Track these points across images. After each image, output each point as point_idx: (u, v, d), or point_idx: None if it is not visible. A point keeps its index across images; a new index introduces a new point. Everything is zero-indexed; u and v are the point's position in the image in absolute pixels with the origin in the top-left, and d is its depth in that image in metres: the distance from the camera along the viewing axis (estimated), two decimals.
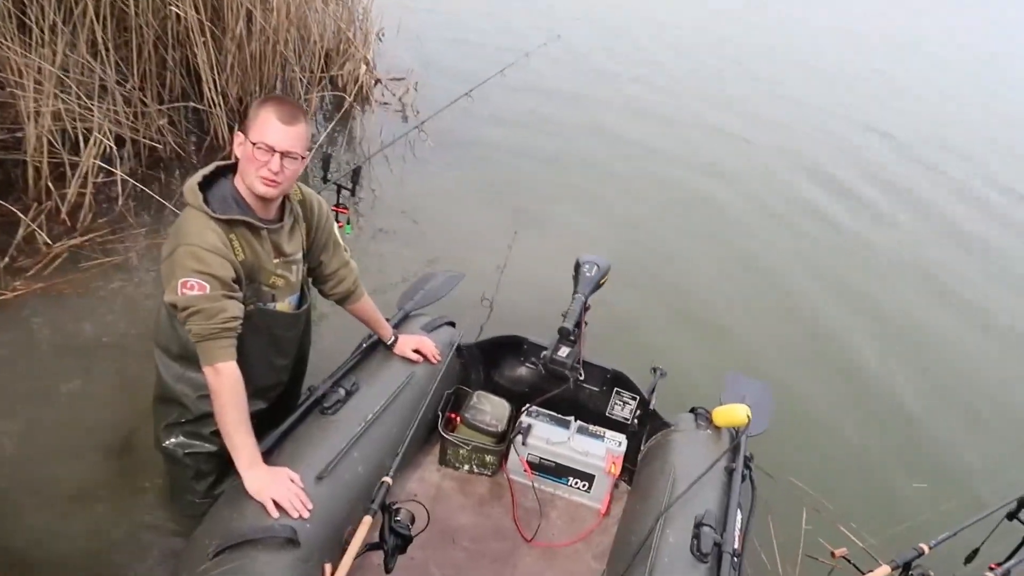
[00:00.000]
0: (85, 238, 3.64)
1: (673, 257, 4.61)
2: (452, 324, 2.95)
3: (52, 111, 3.64)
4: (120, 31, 4.13)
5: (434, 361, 2.65)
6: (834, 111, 7.92)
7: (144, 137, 4.21)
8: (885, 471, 3.38)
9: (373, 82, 5.79)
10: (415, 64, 5.92)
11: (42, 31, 3.57)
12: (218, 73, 4.45)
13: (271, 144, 1.97)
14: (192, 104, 4.55)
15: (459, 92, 5.59)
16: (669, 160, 6.03)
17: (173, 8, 4.08)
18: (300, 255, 2.28)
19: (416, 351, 2.64)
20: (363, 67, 5.66)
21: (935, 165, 6.89)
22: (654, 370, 2.96)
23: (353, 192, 3.51)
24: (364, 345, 2.65)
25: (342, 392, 2.37)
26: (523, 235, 3.75)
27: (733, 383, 3.02)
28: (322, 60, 5.44)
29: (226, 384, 1.98)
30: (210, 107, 4.50)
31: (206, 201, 2.02)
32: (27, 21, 3.55)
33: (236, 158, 2.09)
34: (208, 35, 4.31)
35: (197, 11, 4.18)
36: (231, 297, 2.01)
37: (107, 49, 3.88)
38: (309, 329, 2.46)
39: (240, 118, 4.78)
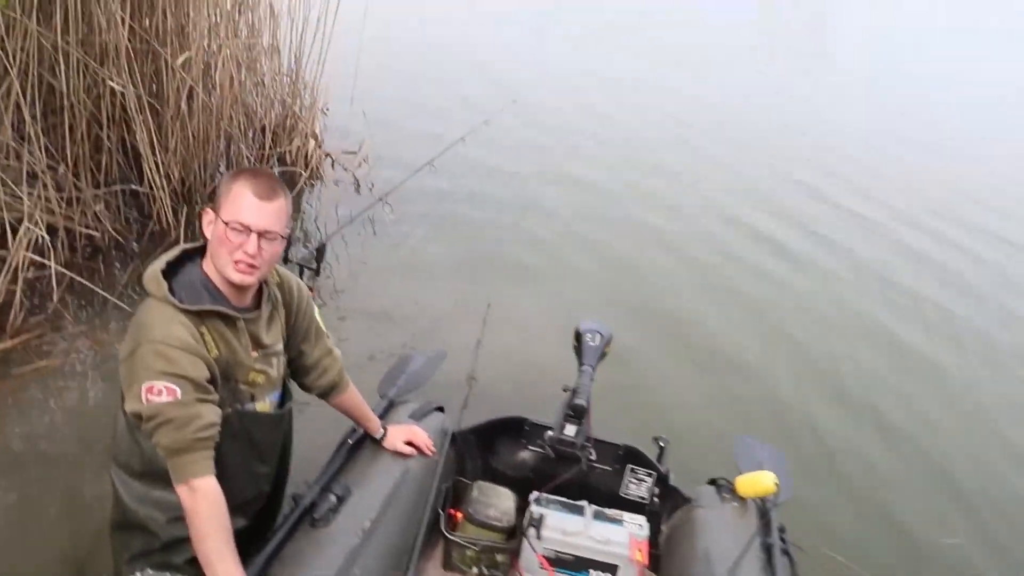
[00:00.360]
0: (16, 340, 3.24)
1: (654, 317, 4.43)
2: (441, 409, 2.68)
3: None
4: (48, 112, 3.82)
5: (428, 453, 2.36)
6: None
7: (80, 225, 3.86)
8: (915, 527, 3.19)
9: (323, 157, 5.57)
10: (365, 136, 5.71)
11: None
12: (160, 153, 4.16)
13: (247, 223, 1.71)
14: (131, 187, 4.22)
15: (414, 162, 5.40)
16: (637, 217, 5.93)
17: (111, 84, 3.79)
18: (280, 346, 1.99)
19: (408, 443, 2.34)
20: (311, 142, 5.44)
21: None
22: (656, 440, 2.75)
23: (318, 272, 3.25)
24: (350, 441, 2.34)
25: (333, 499, 2.05)
26: (498, 305, 3.53)
27: (745, 449, 2.82)
28: (269, 137, 5.20)
29: (205, 503, 1.65)
30: (151, 189, 4.18)
31: (171, 291, 1.73)
32: None
33: (204, 239, 1.83)
34: (147, 112, 4.04)
35: (135, 86, 3.91)
36: (206, 401, 1.71)
37: (36, 131, 3.56)
38: (291, 429, 2.15)
39: (183, 199, 4.48)
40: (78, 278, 3.57)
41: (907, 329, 4.88)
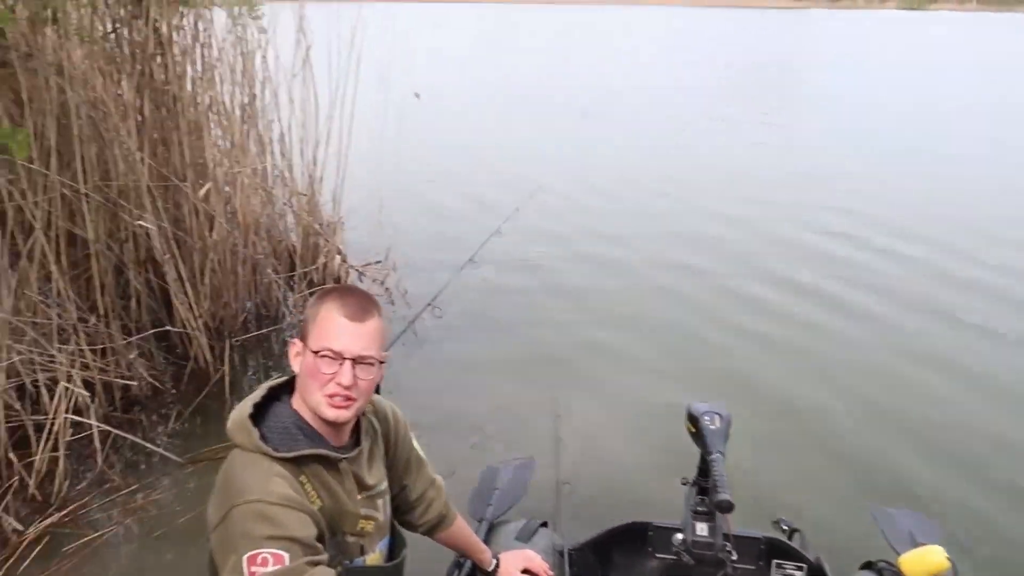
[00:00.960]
0: (64, 513, 2.93)
1: (729, 388, 4.11)
2: (545, 524, 2.37)
3: (8, 367, 3.04)
4: (71, 263, 3.64)
5: None
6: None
7: (115, 376, 3.61)
8: None
9: (348, 271, 5.39)
10: (388, 244, 5.55)
11: None
12: (190, 289, 3.96)
13: (338, 349, 1.47)
14: (165, 329, 4.00)
15: (443, 264, 5.26)
16: (686, 293, 5.68)
17: (140, 224, 3.63)
18: (385, 484, 1.71)
19: (524, 571, 2.03)
20: (336, 258, 5.27)
21: None
22: (777, 524, 2.43)
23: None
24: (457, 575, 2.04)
25: None
26: (565, 400, 3.28)
27: (888, 520, 2.47)
28: (296, 259, 5.03)
29: None
30: (184, 328, 3.96)
31: (263, 438, 1.48)
32: None
33: (293, 372, 1.59)
34: (174, 249, 3.86)
35: (161, 223, 3.75)
36: (317, 563, 1.42)
37: (65, 285, 3.36)
38: None
39: (217, 335, 4.25)
40: (122, 434, 3.30)
41: None
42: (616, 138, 11.84)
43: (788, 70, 23.97)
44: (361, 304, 1.52)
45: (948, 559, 1.99)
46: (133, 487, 3.14)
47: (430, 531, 1.91)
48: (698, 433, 2.08)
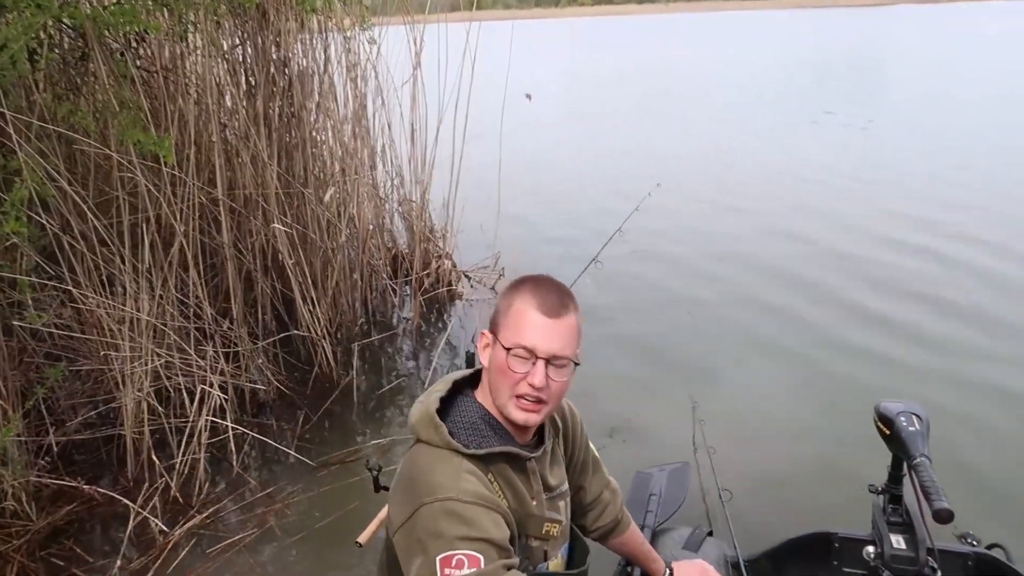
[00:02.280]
0: (205, 515, 2.96)
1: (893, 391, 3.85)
2: (711, 534, 2.22)
3: (151, 369, 3.11)
4: (205, 269, 3.72)
5: None
6: None
7: (247, 381, 3.66)
8: None
9: (457, 278, 5.37)
10: (496, 248, 5.52)
11: (136, 279, 3.12)
12: (313, 295, 3.99)
13: (531, 347, 1.38)
14: (292, 333, 4.04)
15: (557, 266, 5.18)
16: (818, 283, 5.46)
17: (274, 227, 3.68)
18: (566, 486, 1.62)
19: None
20: (447, 263, 5.26)
21: None
22: (964, 538, 2.20)
23: None
24: None
25: None
26: (708, 403, 3.11)
27: None
28: (410, 264, 5.04)
29: None
30: (310, 333, 3.99)
31: (451, 434, 1.40)
32: (112, 270, 3.13)
33: (470, 356, 1.52)
34: (300, 254, 3.90)
35: (289, 228, 3.80)
36: (511, 566, 1.33)
37: (204, 290, 3.43)
38: None
39: (336, 340, 4.28)
40: (258, 436, 3.33)
41: None
42: (735, 137, 11.63)
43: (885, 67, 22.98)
44: (559, 298, 1.43)
45: None
46: (268, 490, 3.15)
47: (603, 536, 1.82)
48: (894, 436, 1.88)
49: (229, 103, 3.94)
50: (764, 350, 4.42)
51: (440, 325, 4.92)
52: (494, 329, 1.44)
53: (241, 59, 4.07)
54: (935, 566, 1.88)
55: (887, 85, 18.37)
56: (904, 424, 1.94)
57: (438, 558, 1.29)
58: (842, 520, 2.15)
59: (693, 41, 30.53)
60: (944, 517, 1.71)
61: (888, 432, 1.97)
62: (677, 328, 4.80)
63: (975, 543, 2.16)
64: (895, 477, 1.98)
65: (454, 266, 5.36)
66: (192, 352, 3.30)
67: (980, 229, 6.60)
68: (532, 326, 1.39)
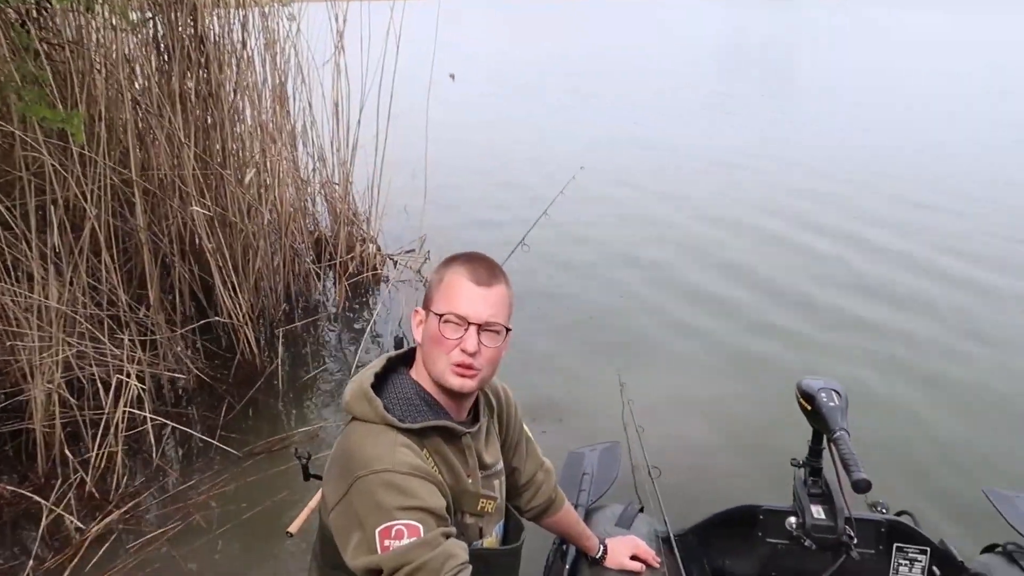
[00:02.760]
0: (124, 510, 2.84)
1: (777, 370, 4.04)
2: (642, 510, 2.28)
3: (62, 360, 2.96)
4: (120, 253, 3.55)
5: (656, 565, 1.95)
6: None
7: (165, 370, 3.53)
8: None
9: (382, 261, 5.30)
10: (422, 232, 5.46)
11: (43, 264, 2.96)
12: (232, 279, 3.86)
13: (464, 314, 1.40)
14: (211, 320, 3.91)
15: (484, 248, 5.17)
16: (734, 263, 5.65)
17: (195, 210, 3.54)
18: (501, 464, 1.64)
19: (633, 558, 1.95)
20: (371, 247, 5.18)
21: None
22: (875, 507, 2.33)
23: None
24: (566, 566, 1.95)
25: None
26: (633, 382, 3.18)
27: (1006, 503, 2.39)
28: (330, 248, 4.95)
29: None
30: (231, 319, 3.87)
31: (386, 408, 1.40)
32: (17, 255, 2.95)
33: (399, 340, 1.53)
34: (220, 237, 3.77)
35: (206, 209, 3.67)
36: (450, 534, 1.35)
37: (118, 275, 3.28)
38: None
39: (257, 325, 4.16)
40: (180, 427, 3.22)
41: None
42: (650, 117, 11.81)
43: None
44: (489, 269, 1.46)
45: None
46: (191, 482, 3.06)
47: (538, 516, 1.84)
48: (815, 411, 1.97)
49: (142, 80, 3.75)
50: (689, 330, 4.55)
51: (366, 309, 4.85)
52: (427, 304, 1.46)
53: (153, 34, 3.88)
54: (852, 534, 1.98)
55: (802, 72, 19.07)
56: (824, 400, 2.04)
57: (377, 530, 1.29)
58: (766, 493, 2.25)
59: (624, 25, 30.88)
60: (863, 487, 1.80)
61: (809, 408, 2.06)
62: (604, 309, 4.88)
63: (885, 510, 2.29)
64: (815, 451, 2.08)
65: (379, 250, 5.29)
66: (106, 341, 3.16)
67: (895, 212, 6.96)
68: (464, 294, 1.42)
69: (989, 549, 2.15)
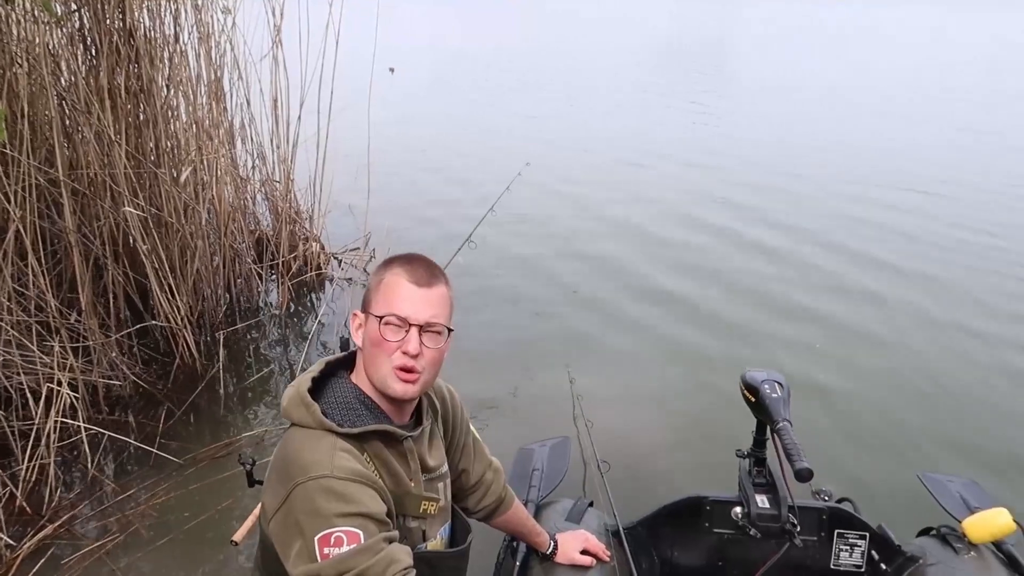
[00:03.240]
0: (57, 524, 2.72)
1: (764, 359, 4.12)
2: (592, 504, 2.29)
3: None
4: (46, 257, 3.40)
5: (606, 558, 1.97)
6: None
7: (99, 377, 3.39)
8: None
9: (327, 260, 5.21)
10: (368, 230, 5.37)
11: None
12: (170, 281, 3.74)
13: (404, 315, 1.39)
14: (149, 324, 3.78)
15: (431, 246, 5.15)
16: (685, 259, 5.73)
17: (128, 211, 3.40)
18: (446, 467, 1.63)
19: (583, 552, 1.96)
20: (315, 245, 5.09)
21: None
22: (818, 495, 2.39)
23: None
24: (515, 561, 1.95)
25: None
26: (582, 377, 3.21)
27: (939, 487, 2.47)
28: (275, 247, 4.83)
29: None
30: (168, 323, 3.75)
31: (324, 414, 1.38)
32: None
33: (344, 341, 1.52)
34: (155, 238, 3.65)
35: (142, 211, 3.54)
36: (392, 539, 1.34)
37: (46, 279, 3.13)
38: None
39: (199, 329, 4.05)
40: (116, 435, 3.10)
41: None
42: (587, 111, 11.85)
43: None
44: (428, 269, 1.45)
45: (1015, 521, 1.97)
46: (130, 492, 2.95)
47: (488, 516, 1.84)
48: (758, 403, 2.00)
49: (68, 75, 3.60)
50: (637, 325, 4.59)
51: (311, 309, 4.76)
52: (366, 307, 1.44)
53: (79, 27, 3.72)
54: (795, 522, 2.02)
55: (742, 68, 19.44)
56: (768, 391, 2.07)
57: (317, 537, 1.27)
58: (714, 485, 2.27)
59: (569, 20, 31.08)
60: (805, 476, 1.84)
61: (753, 399, 2.10)
62: (553, 305, 4.89)
63: (828, 498, 2.34)
64: (759, 441, 2.11)
65: (323, 248, 5.20)
66: (35, 348, 3.02)
67: (834, 206, 7.15)
68: (404, 296, 1.40)
69: (924, 532, 2.22)
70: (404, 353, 1.39)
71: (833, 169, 8.77)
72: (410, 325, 1.40)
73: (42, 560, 2.58)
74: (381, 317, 1.39)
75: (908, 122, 12.05)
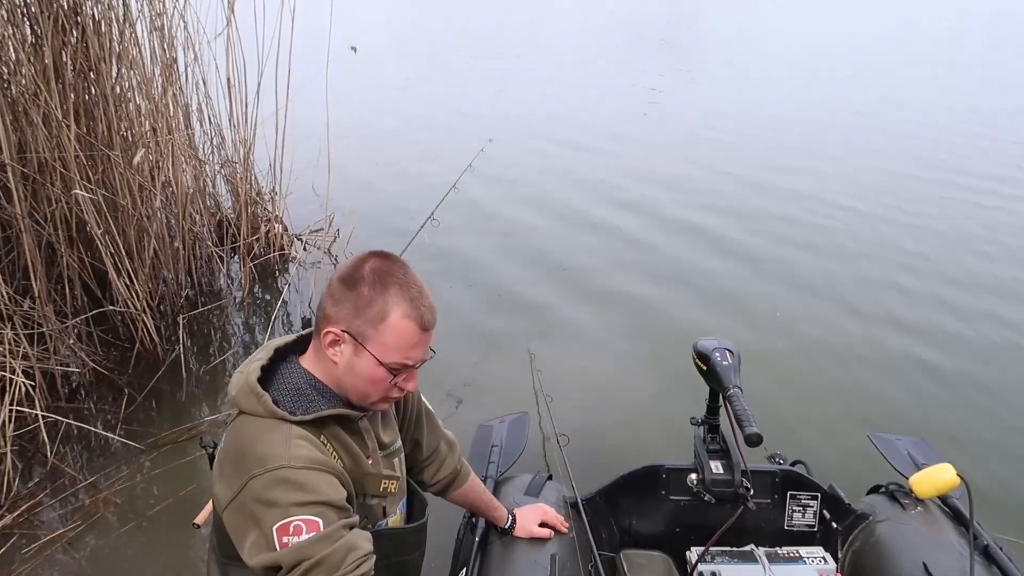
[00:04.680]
0: (16, 514, 2.70)
1: (719, 327, 4.18)
2: (551, 478, 2.32)
3: None
4: None
5: (564, 530, 2.00)
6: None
7: (55, 364, 3.34)
8: None
9: (290, 242, 5.16)
10: (331, 211, 5.32)
11: None
12: (128, 266, 3.69)
13: (415, 362, 1.40)
14: (106, 309, 3.73)
15: (393, 225, 5.14)
16: (644, 235, 5.76)
17: (78, 194, 3.33)
18: (400, 442, 1.63)
19: (542, 524, 1.98)
20: (277, 226, 5.03)
21: None
22: (773, 459, 2.45)
23: None
24: (476, 538, 1.96)
25: None
26: (541, 352, 3.23)
27: (887, 446, 2.54)
28: (233, 230, 4.77)
29: None
30: (127, 308, 3.70)
31: (275, 402, 1.35)
32: None
33: (306, 321, 1.50)
34: (109, 222, 3.58)
35: (91, 193, 3.47)
36: (352, 525, 1.34)
37: None
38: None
39: (159, 314, 3.99)
40: (74, 423, 3.06)
41: None
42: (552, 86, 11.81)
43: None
44: (432, 307, 1.40)
45: (959, 475, 2.03)
46: (92, 479, 2.92)
47: (444, 490, 1.84)
48: (710, 371, 2.03)
49: (12, 55, 3.50)
50: (594, 299, 4.62)
51: (274, 291, 4.72)
52: (356, 334, 1.35)
53: (22, 4, 3.62)
54: (748, 486, 2.06)
55: (707, 45, 19.46)
56: (719, 359, 2.10)
57: (275, 527, 1.26)
58: (672, 455, 2.31)
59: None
60: (754, 441, 1.87)
61: (705, 367, 2.13)
62: (514, 282, 4.90)
63: (782, 461, 2.39)
64: (712, 408, 2.15)
65: (285, 230, 5.14)
66: None
67: (800, 185, 7.20)
68: (415, 344, 1.38)
69: (874, 490, 2.28)
70: (401, 389, 1.42)
71: (781, 142, 8.86)
72: (414, 367, 1.41)
73: (1, 550, 2.55)
74: (390, 365, 1.36)
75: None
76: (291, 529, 1.25)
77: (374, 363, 1.35)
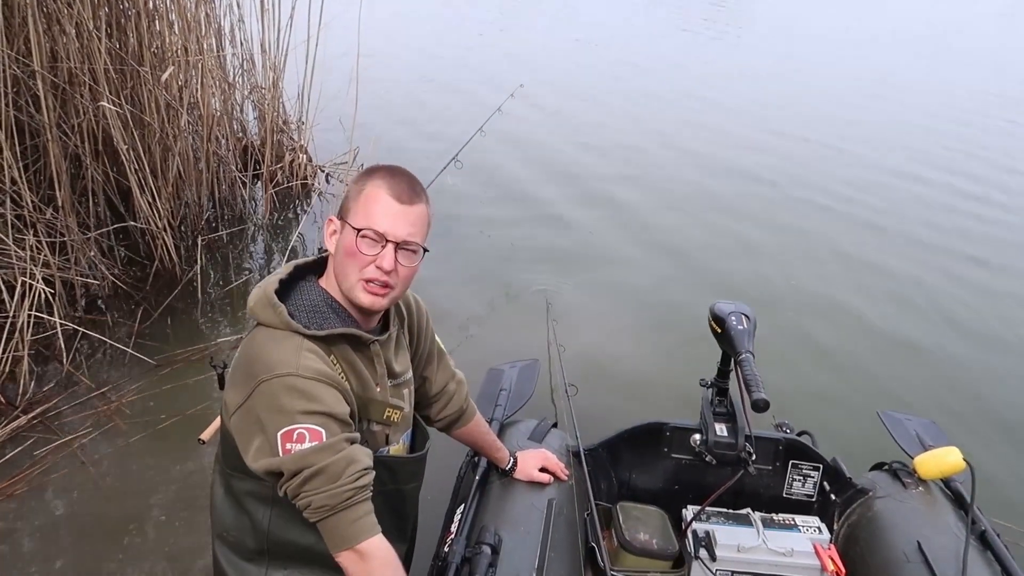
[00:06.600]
0: (31, 415, 2.77)
1: (738, 293, 4.15)
2: (555, 425, 2.33)
3: None
4: (24, 151, 3.34)
5: (564, 477, 2.02)
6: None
7: (76, 275, 3.38)
8: None
9: (313, 173, 5.14)
10: (356, 145, 5.29)
11: None
12: (152, 184, 3.69)
13: (382, 231, 1.36)
14: (128, 225, 3.75)
15: (417, 164, 5.07)
16: (672, 188, 5.74)
17: (103, 105, 3.33)
18: (411, 374, 1.64)
19: (542, 469, 2.00)
20: (302, 156, 5.01)
21: None
22: (780, 427, 2.44)
23: None
24: (476, 477, 1.99)
25: (487, 551, 1.71)
26: (558, 301, 3.22)
27: (896, 425, 2.53)
28: (258, 157, 4.76)
29: (382, 569, 1.33)
30: (148, 225, 3.72)
31: (291, 315, 1.37)
32: None
33: (322, 251, 1.49)
34: (135, 138, 3.58)
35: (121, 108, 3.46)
36: (353, 440, 1.36)
37: (20, 172, 3.09)
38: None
39: (179, 234, 4.02)
40: (90, 333, 3.11)
41: None
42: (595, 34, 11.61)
43: None
44: (411, 186, 1.41)
45: (965, 460, 2.02)
46: (104, 389, 2.98)
47: (448, 426, 1.86)
48: (724, 334, 2.02)
49: None
50: (616, 254, 4.60)
51: (294, 220, 4.74)
52: (343, 214, 1.41)
53: None
54: (751, 451, 2.06)
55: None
56: (734, 323, 2.08)
57: (279, 433, 1.29)
58: (678, 414, 2.31)
59: None
60: (761, 406, 1.87)
61: (720, 330, 2.11)
62: (536, 229, 4.88)
63: (789, 431, 2.39)
64: (723, 372, 2.14)
65: (310, 160, 5.12)
66: (10, 242, 3.00)
67: (841, 152, 7.08)
68: (384, 211, 1.37)
69: (878, 467, 2.28)
70: (378, 268, 1.38)
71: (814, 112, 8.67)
72: (387, 241, 1.37)
73: (17, 449, 2.63)
74: (359, 229, 1.37)
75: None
76: (295, 436, 1.29)
77: (351, 233, 1.37)
